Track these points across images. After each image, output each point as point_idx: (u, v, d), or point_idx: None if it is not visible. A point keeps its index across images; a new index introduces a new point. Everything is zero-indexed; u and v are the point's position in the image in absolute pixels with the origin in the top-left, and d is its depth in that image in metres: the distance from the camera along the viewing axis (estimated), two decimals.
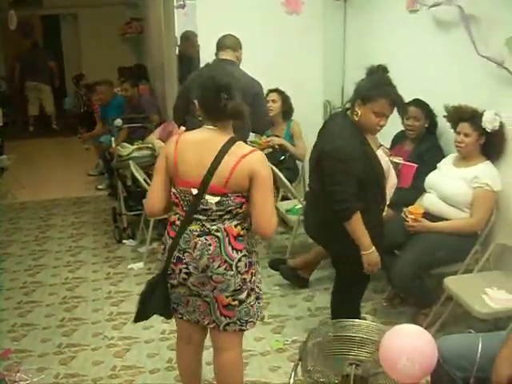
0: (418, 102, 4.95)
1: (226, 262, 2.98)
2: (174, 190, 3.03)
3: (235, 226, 3.00)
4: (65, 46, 14.86)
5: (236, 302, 3.07)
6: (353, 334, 3.11)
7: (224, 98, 2.86)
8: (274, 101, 6.29)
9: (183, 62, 7.12)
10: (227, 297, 3.04)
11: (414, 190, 4.70)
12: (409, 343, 2.60)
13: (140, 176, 5.81)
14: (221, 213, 2.96)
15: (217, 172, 2.89)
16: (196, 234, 2.99)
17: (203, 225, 2.98)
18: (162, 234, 5.56)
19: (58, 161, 9.76)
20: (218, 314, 3.10)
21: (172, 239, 3.06)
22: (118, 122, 6.89)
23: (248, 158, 2.90)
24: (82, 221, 7.12)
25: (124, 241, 6.24)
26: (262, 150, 5.59)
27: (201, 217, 2.98)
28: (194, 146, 2.98)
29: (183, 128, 5.64)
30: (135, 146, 6.25)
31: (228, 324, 3.13)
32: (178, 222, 3.05)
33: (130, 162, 5.95)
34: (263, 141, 6.15)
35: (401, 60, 5.39)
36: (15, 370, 4.18)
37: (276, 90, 6.35)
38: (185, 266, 3.02)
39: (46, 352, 4.42)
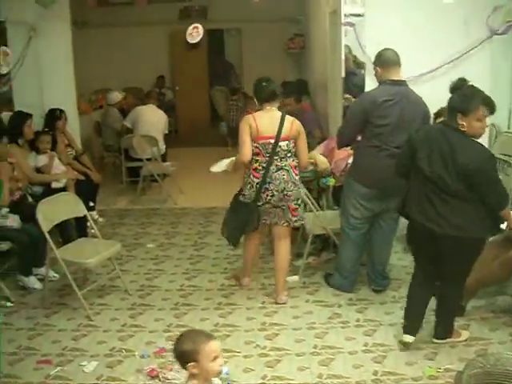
0: None
1: (293, 182, 5.13)
2: (255, 144, 5.07)
3: (293, 161, 5.16)
4: (228, 59, 15.28)
5: (298, 206, 5.23)
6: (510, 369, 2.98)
7: None
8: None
9: None
10: (294, 204, 5.19)
11: None
12: None
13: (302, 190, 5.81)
14: (286, 153, 5.09)
15: (283, 129, 5.01)
16: (274, 170, 5.08)
17: (277, 164, 5.08)
18: (318, 249, 5.58)
19: None
20: (290, 216, 5.22)
21: (258, 178, 5.09)
22: None
23: (295, 122, 5.11)
24: None
25: None
26: None
27: (275, 158, 5.06)
28: (266, 117, 5.08)
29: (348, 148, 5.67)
30: None
31: (296, 221, 5.28)
32: (259, 167, 5.10)
33: None
34: None
35: None
36: (168, 368, 4.30)
37: None
38: (270, 191, 5.08)
39: None
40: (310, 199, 5.89)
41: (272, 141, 5.00)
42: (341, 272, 5.46)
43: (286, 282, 5.56)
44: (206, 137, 13.24)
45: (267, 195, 5.10)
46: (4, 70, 6.62)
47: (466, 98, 4.03)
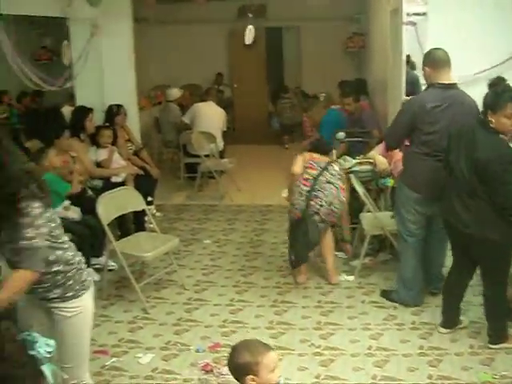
0: None
1: (340, 201, 5.37)
2: (309, 162, 5.42)
3: (342, 183, 5.42)
4: (286, 57, 15.25)
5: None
6: None
7: None
8: None
9: None
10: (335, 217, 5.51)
11: None
12: None
13: (360, 190, 5.77)
14: (337, 173, 5.43)
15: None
16: (324, 181, 5.34)
17: (326, 177, 5.35)
18: (376, 250, 5.55)
19: (273, 168, 9.96)
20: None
21: (308, 186, 5.33)
22: (341, 135, 6.91)
23: None
24: None
25: (336, 252, 6.22)
26: None
27: (326, 173, 5.39)
28: None
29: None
30: (357, 160, 6.22)
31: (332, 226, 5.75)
32: (309, 177, 5.36)
33: (351, 175, 5.93)
34: None
35: None
36: (223, 363, 4.31)
37: None
38: (319, 199, 5.29)
39: None
40: (368, 199, 5.84)
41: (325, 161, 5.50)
42: (405, 284, 5.26)
43: (343, 281, 5.64)
44: (263, 135, 13.26)
45: (316, 203, 5.34)
46: (67, 62, 6.77)
47: (496, 95, 4.17)
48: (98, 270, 5.87)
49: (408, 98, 6.05)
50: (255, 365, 2.68)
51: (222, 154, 9.44)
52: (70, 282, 3.06)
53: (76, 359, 3.21)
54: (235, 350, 2.80)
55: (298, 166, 5.52)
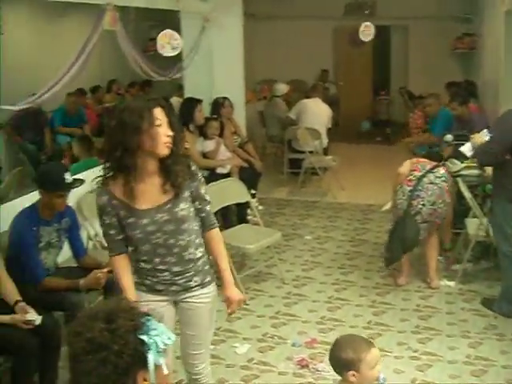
0: None
1: (444, 201, 5.30)
2: (416, 164, 5.45)
3: (447, 186, 5.35)
4: (393, 56, 15.03)
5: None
6: None
7: None
8: None
9: None
10: (439, 220, 5.41)
11: None
12: None
13: (467, 194, 5.65)
14: (442, 176, 5.33)
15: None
16: (427, 182, 5.28)
17: (430, 178, 5.29)
18: (478, 257, 5.41)
19: (377, 167, 9.89)
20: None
21: (410, 186, 5.29)
22: (449, 137, 6.75)
23: None
24: None
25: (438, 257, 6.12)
26: None
27: (430, 175, 5.30)
28: None
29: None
30: (465, 164, 6.08)
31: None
32: (413, 178, 5.31)
33: (459, 179, 5.81)
34: None
35: None
36: (319, 360, 4.35)
37: None
38: (421, 199, 5.25)
39: None
40: (474, 204, 5.72)
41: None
42: (507, 296, 5.07)
43: (443, 286, 5.57)
44: (367, 133, 13.16)
45: (418, 203, 5.27)
46: (169, 53, 6.90)
47: None
48: None
49: None
50: (357, 361, 2.71)
51: (325, 151, 9.43)
52: (207, 267, 3.14)
53: (208, 343, 3.33)
54: (338, 344, 2.83)
55: (404, 167, 5.49)
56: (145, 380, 1.70)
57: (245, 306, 5.22)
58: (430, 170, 5.36)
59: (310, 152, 8.84)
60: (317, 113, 9.26)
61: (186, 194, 2.97)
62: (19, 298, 3.80)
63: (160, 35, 6.71)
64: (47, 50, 9.42)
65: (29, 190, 5.25)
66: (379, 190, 8.43)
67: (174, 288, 3.04)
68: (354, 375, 2.72)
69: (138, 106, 2.82)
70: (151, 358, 1.69)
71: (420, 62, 13.38)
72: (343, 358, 2.74)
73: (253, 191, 7.26)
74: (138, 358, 1.67)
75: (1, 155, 8.56)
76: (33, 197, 4.43)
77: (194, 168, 3.03)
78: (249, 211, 6.88)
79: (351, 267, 6.12)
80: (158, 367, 1.72)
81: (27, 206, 4.22)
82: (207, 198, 3.09)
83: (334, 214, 7.87)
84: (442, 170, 5.41)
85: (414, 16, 12.92)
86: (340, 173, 9.22)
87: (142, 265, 3.03)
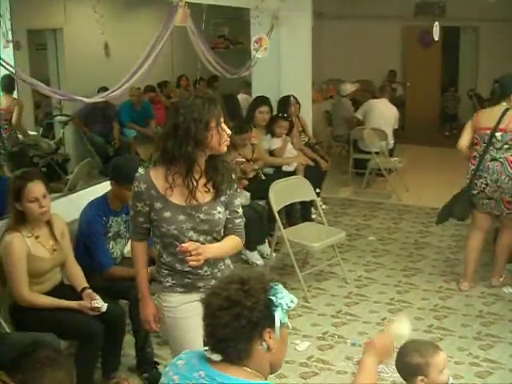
0: None
1: (507, 175, 5.10)
2: (475, 135, 5.29)
3: (510, 155, 5.10)
4: (462, 58, 14.78)
5: None
6: None
7: None
8: None
9: None
10: (509, 196, 5.13)
11: None
12: None
13: None
14: (502, 145, 5.12)
15: (501, 120, 5.10)
16: (488, 159, 5.17)
17: (491, 154, 5.16)
18: None
19: (442, 171, 9.76)
20: (503, 207, 5.22)
21: (474, 165, 5.23)
22: None
23: None
24: (462, 234, 6.99)
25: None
26: None
27: (491, 148, 5.15)
28: (490, 111, 5.36)
29: None
30: None
31: (508, 213, 5.24)
32: (476, 155, 5.23)
33: None
34: None
35: None
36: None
37: None
38: (483, 179, 5.19)
39: None
40: None
41: (488, 132, 5.17)
42: None
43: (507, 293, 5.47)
44: (433, 136, 12.98)
45: (481, 183, 5.23)
46: (264, 55, 7.05)
47: None
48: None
49: None
50: (425, 365, 2.69)
51: (391, 153, 9.36)
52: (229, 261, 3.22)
53: None
54: (404, 350, 2.80)
55: (464, 139, 5.42)
56: (270, 337, 1.97)
57: (306, 304, 5.29)
58: (490, 141, 5.18)
59: (376, 153, 8.79)
60: (384, 114, 9.20)
61: (223, 198, 2.99)
62: (86, 285, 3.92)
63: (264, 39, 7.02)
64: (116, 47, 9.55)
65: (96, 181, 5.41)
66: (445, 194, 8.27)
67: (212, 283, 3.00)
68: (422, 380, 2.70)
69: (208, 102, 2.84)
70: (278, 316, 1.97)
71: (490, 64, 13.09)
72: (410, 363, 2.73)
73: (317, 190, 7.28)
74: (267, 314, 1.96)
75: (69, 147, 8.80)
76: (99, 188, 4.56)
77: (234, 177, 3.05)
78: (313, 210, 6.91)
79: (414, 270, 6.08)
80: (282, 325, 1.99)
81: (97, 196, 4.34)
82: (239, 211, 3.09)
83: (398, 216, 7.82)
84: (498, 135, 5.21)
85: (485, 17, 12.67)
86: (405, 175, 9.15)
87: (178, 266, 2.99)
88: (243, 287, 1.95)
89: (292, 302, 2.00)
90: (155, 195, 2.90)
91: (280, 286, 2.01)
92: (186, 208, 2.91)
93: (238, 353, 1.95)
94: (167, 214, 2.90)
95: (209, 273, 3.02)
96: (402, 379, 2.80)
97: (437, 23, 7.51)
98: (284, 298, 1.98)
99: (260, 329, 1.95)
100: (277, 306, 1.96)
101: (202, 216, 2.93)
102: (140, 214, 3.00)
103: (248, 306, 1.91)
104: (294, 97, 7.73)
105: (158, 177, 2.90)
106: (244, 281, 1.98)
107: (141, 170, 2.96)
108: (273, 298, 1.96)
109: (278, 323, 1.96)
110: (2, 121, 6.97)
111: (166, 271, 3.03)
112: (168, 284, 3.02)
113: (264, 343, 1.97)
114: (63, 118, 8.60)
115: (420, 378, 2.69)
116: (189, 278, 3.00)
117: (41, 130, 8.70)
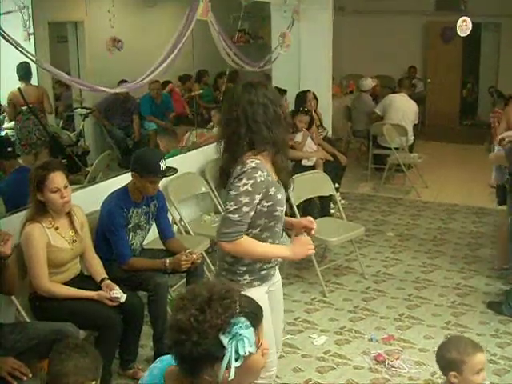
0: None
1: None
2: None
3: None
4: (483, 54, 14.66)
5: None
6: None
7: None
8: None
9: None
10: None
11: None
12: None
13: None
14: None
15: None
16: None
17: None
18: None
19: (462, 167, 9.73)
20: None
21: None
22: None
23: None
24: (481, 231, 7.00)
25: None
26: None
27: None
28: None
29: None
30: None
31: None
32: None
33: None
34: None
35: None
36: (395, 357, 4.34)
37: None
38: None
39: (427, 348, 4.51)
40: None
41: None
42: None
43: None
44: (453, 133, 12.93)
45: None
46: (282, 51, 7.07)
47: None
48: None
49: None
50: (460, 363, 2.70)
51: (411, 148, 9.32)
52: None
53: None
54: (445, 343, 2.89)
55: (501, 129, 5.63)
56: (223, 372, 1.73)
57: (324, 299, 5.31)
58: None
59: (396, 148, 8.75)
60: (403, 109, 9.14)
61: None
62: (105, 275, 3.95)
63: (288, 36, 7.19)
64: (136, 40, 9.57)
65: (115, 173, 5.43)
66: (464, 191, 8.35)
67: (277, 269, 3.08)
68: (455, 376, 2.72)
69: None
70: (225, 359, 1.72)
71: (511, 60, 13.02)
72: (447, 358, 2.77)
73: (336, 185, 7.27)
74: (215, 351, 1.72)
75: (89, 139, 8.85)
76: (119, 180, 4.60)
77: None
78: (332, 205, 6.90)
79: (432, 266, 6.06)
80: (241, 357, 1.73)
81: (117, 187, 4.36)
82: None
83: (417, 212, 7.79)
84: None
85: (507, 13, 12.58)
86: (425, 171, 9.11)
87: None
88: (198, 316, 1.73)
89: (251, 347, 1.74)
90: (271, 180, 2.88)
91: (244, 326, 1.74)
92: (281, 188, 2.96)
93: (186, 372, 1.80)
94: (279, 196, 2.92)
95: (277, 261, 3.08)
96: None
97: (466, 18, 7.49)
98: (240, 340, 1.72)
99: (205, 363, 1.74)
100: (226, 350, 1.71)
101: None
102: (253, 208, 2.80)
103: (193, 340, 1.71)
104: (311, 91, 7.71)
105: (265, 162, 2.90)
106: (203, 308, 1.74)
107: (250, 161, 2.82)
108: (224, 340, 1.72)
109: (224, 364, 1.71)
110: (39, 113, 7.02)
111: (244, 267, 2.94)
112: (246, 281, 2.96)
113: (215, 376, 1.74)
114: (83, 111, 8.62)
115: (453, 373, 2.72)
116: (264, 269, 2.99)
117: (61, 122, 8.75)
